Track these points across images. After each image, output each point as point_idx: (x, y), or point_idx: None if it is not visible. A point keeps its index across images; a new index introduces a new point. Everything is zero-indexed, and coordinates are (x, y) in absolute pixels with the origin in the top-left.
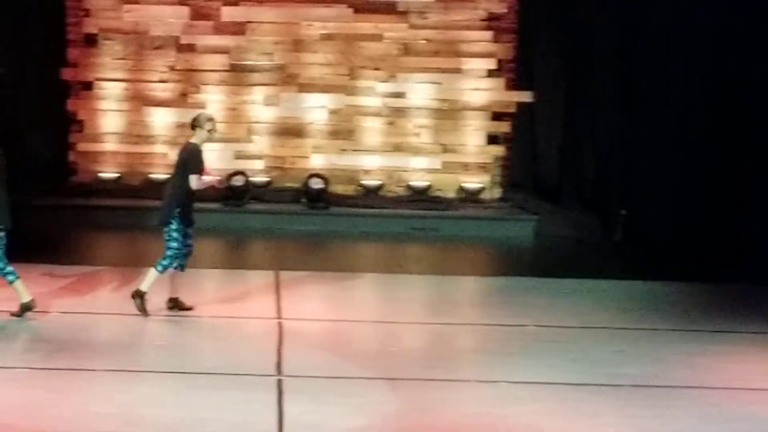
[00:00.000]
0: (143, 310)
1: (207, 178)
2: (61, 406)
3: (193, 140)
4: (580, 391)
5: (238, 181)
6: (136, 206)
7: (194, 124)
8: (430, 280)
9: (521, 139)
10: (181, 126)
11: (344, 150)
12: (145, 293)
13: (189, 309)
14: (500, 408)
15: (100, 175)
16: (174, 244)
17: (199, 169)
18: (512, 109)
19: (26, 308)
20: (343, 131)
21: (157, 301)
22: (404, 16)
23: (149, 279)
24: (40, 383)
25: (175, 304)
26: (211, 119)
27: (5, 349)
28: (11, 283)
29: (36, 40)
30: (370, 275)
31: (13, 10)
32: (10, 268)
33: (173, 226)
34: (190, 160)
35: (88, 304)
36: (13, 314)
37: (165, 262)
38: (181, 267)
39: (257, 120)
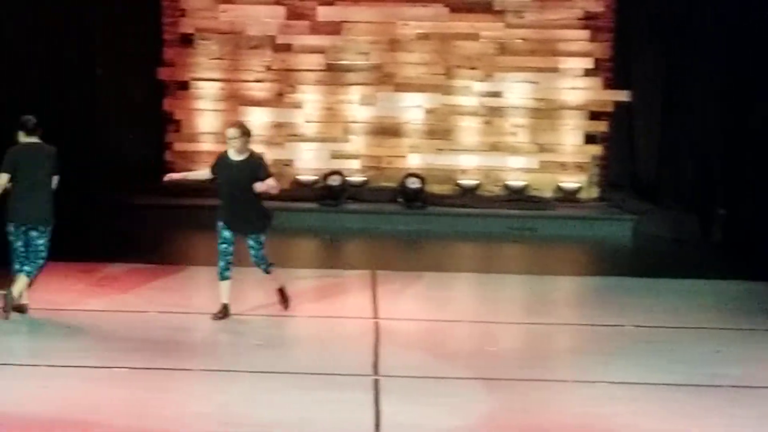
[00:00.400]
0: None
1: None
2: (160, 406)
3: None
4: (679, 391)
5: (334, 180)
6: None
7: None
8: (527, 280)
9: (619, 138)
10: (277, 126)
11: (441, 149)
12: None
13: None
14: (598, 408)
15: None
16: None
17: None
18: (609, 109)
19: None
20: (439, 131)
21: (254, 300)
22: (500, 15)
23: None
24: (139, 383)
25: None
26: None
27: (105, 348)
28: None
29: (133, 41)
30: (466, 275)
31: (110, 10)
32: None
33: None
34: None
35: (185, 303)
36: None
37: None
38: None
39: (353, 119)
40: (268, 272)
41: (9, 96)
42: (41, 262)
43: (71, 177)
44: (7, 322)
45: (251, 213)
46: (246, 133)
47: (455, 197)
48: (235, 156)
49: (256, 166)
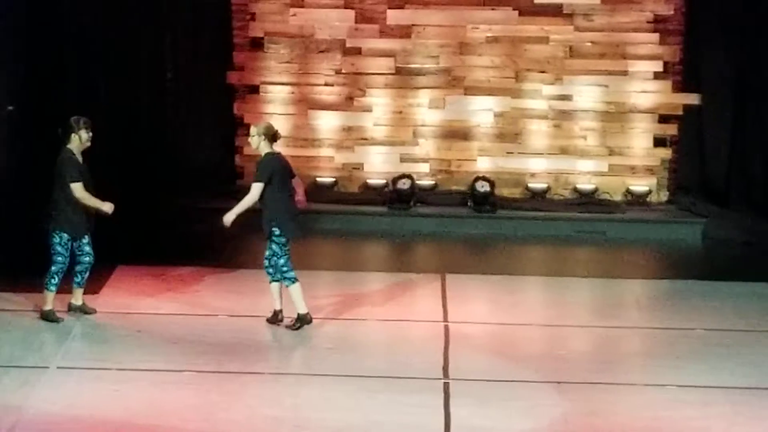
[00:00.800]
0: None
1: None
2: (231, 409)
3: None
4: (751, 394)
5: (404, 184)
6: (302, 210)
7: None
8: (597, 283)
9: (689, 141)
10: (347, 129)
11: (510, 153)
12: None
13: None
14: (669, 411)
15: None
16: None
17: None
18: (679, 112)
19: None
20: (509, 134)
21: (326, 304)
22: (570, 18)
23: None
24: (210, 386)
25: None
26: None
27: (174, 351)
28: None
29: (203, 45)
30: (536, 278)
31: (181, 15)
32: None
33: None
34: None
35: (253, 306)
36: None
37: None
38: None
39: (423, 123)
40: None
41: (79, 100)
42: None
43: (141, 181)
44: (78, 326)
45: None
46: (260, 133)
47: (524, 200)
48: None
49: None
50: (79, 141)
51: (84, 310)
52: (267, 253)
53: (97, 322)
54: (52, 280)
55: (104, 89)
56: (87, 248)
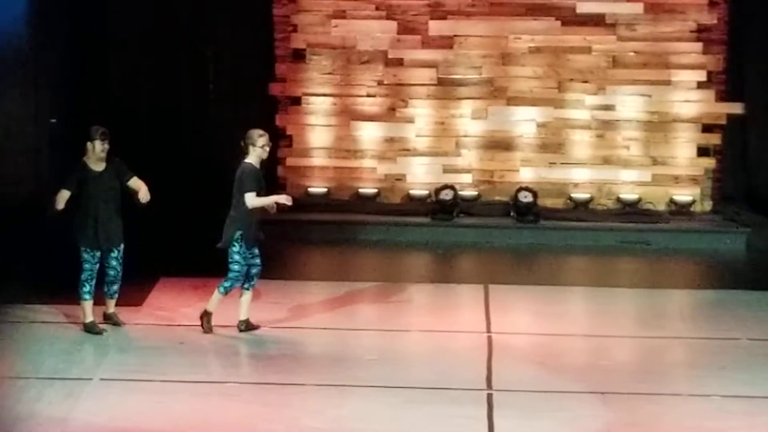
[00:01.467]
0: (209, 329)
1: (265, 200)
2: (273, 421)
3: (247, 159)
4: None
5: (446, 195)
6: (345, 221)
7: (246, 142)
8: (641, 294)
9: (732, 150)
10: (389, 140)
11: (553, 163)
12: (211, 313)
13: (257, 328)
14: (714, 422)
15: (309, 189)
16: (236, 267)
17: (255, 188)
18: (723, 121)
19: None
20: (551, 144)
21: (366, 315)
22: (612, 28)
23: (214, 299)
24: (252, 397)
25: (246, 326)
26: (263, 135)
27: (217, 363)
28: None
29: (245, 56)
30: (579, 288)
31: (222, 26)
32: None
33: (235, 249)
34: (244, 179)
35: (296, 318)
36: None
37: (227, 284)
38: (249, 287)
39: (465, 134)
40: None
41: (122, 112)
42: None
43: (183, 192)
44: (121, 338)
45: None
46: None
47: (567, 211)
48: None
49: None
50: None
51: (112, 320)
52: (240, 265)
53: (139, 334)
54: (83, 289)
55: (147, 101)
56: (113, 262)
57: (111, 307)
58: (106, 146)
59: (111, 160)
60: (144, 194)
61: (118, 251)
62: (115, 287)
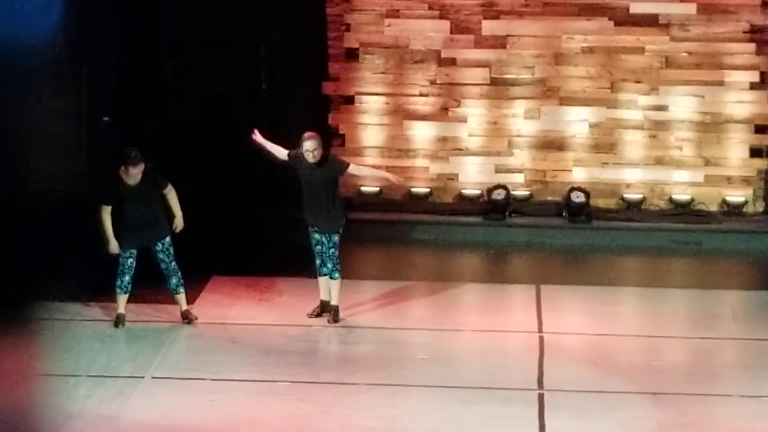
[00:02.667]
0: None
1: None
2: (326, 420)
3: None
4: None
5: (499, 194)
6: (397, 220)
7: None
8: (693, 294)
9: None
10: (442, 140)
11: (606, 163)
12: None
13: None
14: (765, 423)
15: (362, 188)
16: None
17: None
18: None
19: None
20: (604, 144)
21: (419, 314)
22: (666, 28)
23: (337, 291)
24: (304, 396)
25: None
26: (305, 140)
27: (269, 362)
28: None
29: (297, 55)
30: (631, 289)
31: (275, 25)
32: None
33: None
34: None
35: (348, 317)
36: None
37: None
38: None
39: (518, 133)
40: (333, 278)
41: (174, 111)
42: None
43: (237, 191)
44: (173, 336)
45: (330, 213)
46: (322, 143)
47: (620, 211)
48: (312, 160)
49: (335, 166)
50: None
51: (186, 317)
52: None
53: (191, 333)
54: (116, 282)
55: (200, 100)
56: (160, 255)
57: (181, 304)
58: (141, 168)
59: (146, 169)
60: (179, 222)
61: (162, 245)
62: (174, 281)
